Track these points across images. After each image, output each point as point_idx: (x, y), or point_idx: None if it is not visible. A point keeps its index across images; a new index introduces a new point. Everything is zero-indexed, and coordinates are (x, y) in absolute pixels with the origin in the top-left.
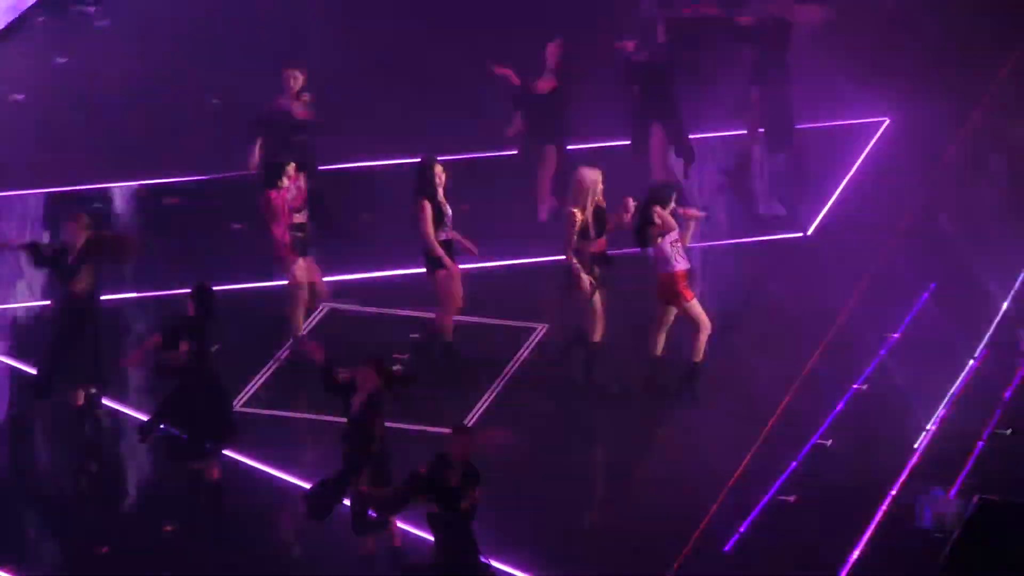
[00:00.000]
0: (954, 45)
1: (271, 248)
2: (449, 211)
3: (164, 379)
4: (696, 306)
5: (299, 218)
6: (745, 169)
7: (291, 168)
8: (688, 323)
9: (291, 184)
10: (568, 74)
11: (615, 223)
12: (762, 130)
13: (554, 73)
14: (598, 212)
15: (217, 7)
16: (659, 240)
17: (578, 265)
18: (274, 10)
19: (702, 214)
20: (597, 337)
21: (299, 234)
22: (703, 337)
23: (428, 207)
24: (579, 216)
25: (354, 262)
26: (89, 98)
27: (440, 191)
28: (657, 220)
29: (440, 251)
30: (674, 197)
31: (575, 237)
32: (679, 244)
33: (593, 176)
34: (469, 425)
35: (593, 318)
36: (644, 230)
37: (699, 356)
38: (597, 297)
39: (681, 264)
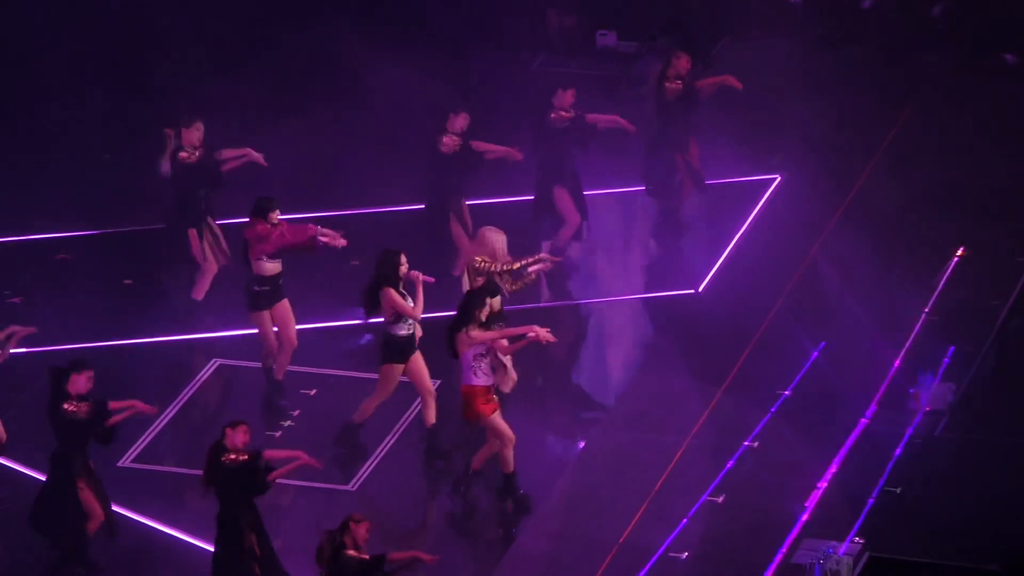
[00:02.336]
0: (845, 104)
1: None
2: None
3: None
4: (497, 420)
5: (272, 268)
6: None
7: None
8: (493, 437)
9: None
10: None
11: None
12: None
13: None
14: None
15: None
16: (470, 346)
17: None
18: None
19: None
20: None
21: (265, 287)
22: (509, 450)
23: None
24: (481, 267)
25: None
26: None
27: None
28: (475, 330)
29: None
30: (491, 302)
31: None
32: (486, 358)
33: (496, 236)
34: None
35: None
36: (460, 331)
37: (510, 467)
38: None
39: (482, 379)
